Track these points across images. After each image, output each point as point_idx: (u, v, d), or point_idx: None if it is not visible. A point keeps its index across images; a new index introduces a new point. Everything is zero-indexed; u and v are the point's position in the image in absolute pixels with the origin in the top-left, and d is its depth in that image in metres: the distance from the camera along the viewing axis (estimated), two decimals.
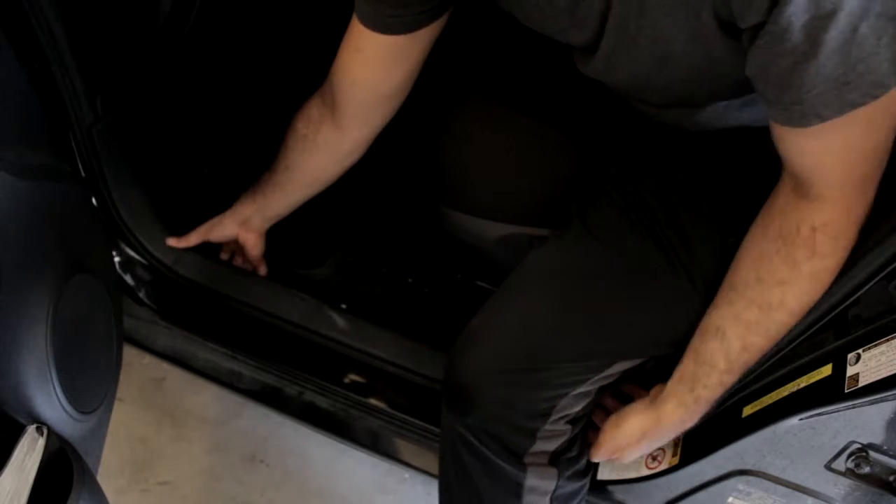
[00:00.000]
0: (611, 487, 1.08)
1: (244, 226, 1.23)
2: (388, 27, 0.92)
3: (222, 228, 1.24)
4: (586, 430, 1.03)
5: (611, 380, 0.97)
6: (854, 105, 0.67)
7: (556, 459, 0.98)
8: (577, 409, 0.97)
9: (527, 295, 0.98)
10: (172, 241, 1.25)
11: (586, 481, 1.04)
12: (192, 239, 1.25)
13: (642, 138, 1.02)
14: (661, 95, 0.91)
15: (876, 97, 0.66)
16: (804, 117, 0.70)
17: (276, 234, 1.42)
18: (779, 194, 0.83)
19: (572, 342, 0.94)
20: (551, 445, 0.97)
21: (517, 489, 0.98)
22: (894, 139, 0.74)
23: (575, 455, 1.00)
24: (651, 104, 0.95)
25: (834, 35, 0.63)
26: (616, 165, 1.02)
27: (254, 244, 1.26)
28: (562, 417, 0.96)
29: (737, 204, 0.94)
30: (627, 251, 0.96)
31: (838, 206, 0.77)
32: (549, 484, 0.99)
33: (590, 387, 0.95)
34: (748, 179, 0.94)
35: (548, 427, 0.95)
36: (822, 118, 0.69)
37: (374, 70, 0.98)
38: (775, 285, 0.83)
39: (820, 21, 0.63)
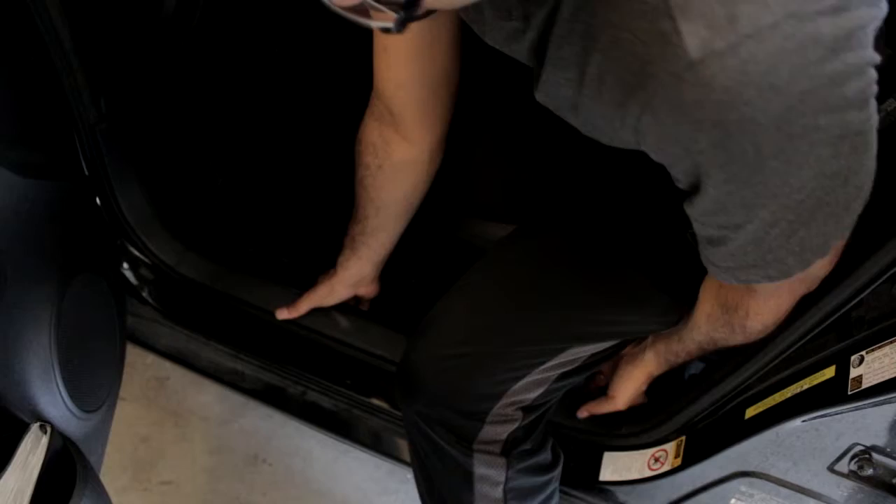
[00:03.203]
0: (613, 489, 1.08)
1: (359, 284, 1.22)
2: None
3: (336, 295, 1.22)
4: (546, 423, 1.03)
5: (571, 367, 0.97)
6: (761, 281, 0.72)
7: (507, 450, 0.98)
8: (532, 396, 0.97)
9: (479, 283, 0.99)
10: (283, 314, 1.23)
11: (551, 477, 1.04)
12: (303, 308, 1.22)
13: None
14: None
15: (778, 280, 0.71)
16: (717, 275, 0.75)
17: (280, 236, 1.42)
18: None
19: (519, 328, 0.94)
20: (502, 432, 0.97)
21: (468, 477, 0.98)
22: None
23: (530, 448, 1.00)
24: None
25: (743, 236, 0.67)
26: (598, 165, 1.02)
27: (373, 293, 1.25)
28: (513, 403, 0.96)
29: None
30: (582, 246, 0.96)
31: (770, 303, 0.84)
32: (498, 474, 0.99)
33: (544, 374, 0.96)
34: None
35: (496, 411, 0.95)
36: (735, 281, 0.74)
37: (409, 64, 0.95)
38: (717, 330, 0.92)
39: (729, 228, 0.67)
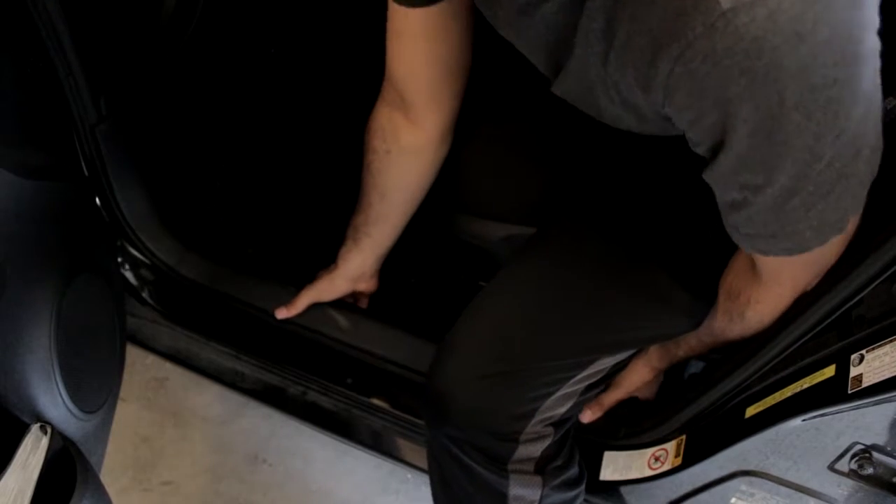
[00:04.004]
0: (613, 488, 1.08)
1: (359, 278, 1.21)
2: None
3: (336, 289, 1.21)
4: (575, 437, 1.03)
5: (597, 378, 0.97)
6: (776, 253, 0.74)
7: (541, 468, 0.98)
8: (562, 410, 0.97)
9: (503, 298, 0.98)
10: (282, 313, 1.21)
11: (579, 491, 1.04)
12: (301, 304, 1.21)
13: (626, 143, 1.02)
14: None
15: (798, 253, 0.73)
16: (738, 241, 0.77)
17: (283, 237, 1.42)
18: (741, 254, 0.88)
19: (550, 341, 0.94)
20: (535, 450, 0.97)
21: (501, 499, 0.98)
22: None
23: (562, 464, 1.00)
24: None
25: (763, 200, 0.68)
26: (599, 169, 1.02)
27: (372, 288, 1.24)
28: (544, 419, 0.96)
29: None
30: (603, 251, 0.96)
31: (771, 293, 0.85)
32: (533, 493, 0.98)
33: (573, 387, 0.95)
34: None
35: (529, 429, 0.95)
36: (753, 249, 0.76)
37: (422, 49, 0.94)
38: (718, 327, 0.94)
39: (750, 189, 0.68)
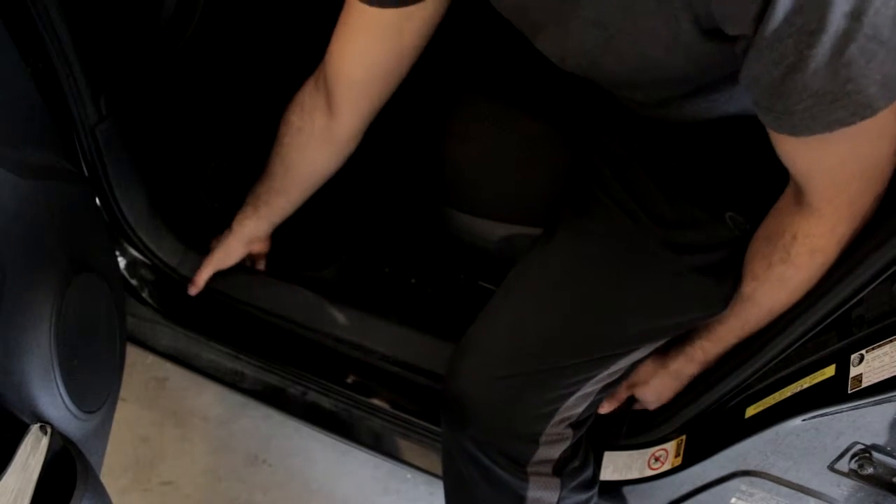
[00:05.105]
0: (613, 488, 1.08)
1: (252, 241, 1.23)
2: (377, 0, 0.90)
3: (231, 253, 1.23)
4: (591, 439, 1.03)
5: (615, 377, 0.97)
6: (842, 123, 0.67)
7: (559, 469, 0.97)
8: (579, 411, 0.96)
9: (519, 299, 0.97)
10: (192, 290, 1.24)
11: (593, 493, 1.04)
12: (205, 274, 1.23)
13: (632, 133, 1.01)
14: (644, 94, 0.90)
15: (863, 118, 0.66)
16: (794, 127, 0.69)
17: (284, 237, 1.42)
18: (784, 195, 0.85)
19: (570, 341, 0.93)
20: (554, 452, 0.96)
21: (520, 501, 0.97)
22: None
23: (579, 465, 1.00)
24: (636, 100, 0.94)
25: (820, 52, 0.63)
26: (606, 163, 1.02)
27: (264, 251, 1.27)
28: (564, 420, 0.95)
29: (729, 179, 0.94)
30: (617, 246, 0.95)
31: (823, 222, 0.79)
32: (552, 495, 0.98)
33: (593, 386, 0.95)
34: (740, 156, 0.93)
35: (549, 430, 0.94)
36: (811, 131, 0.69)
37: (363, 45, 0.96)
38: (752, 278, 0.88)
39: (804, 37, 0.63)
